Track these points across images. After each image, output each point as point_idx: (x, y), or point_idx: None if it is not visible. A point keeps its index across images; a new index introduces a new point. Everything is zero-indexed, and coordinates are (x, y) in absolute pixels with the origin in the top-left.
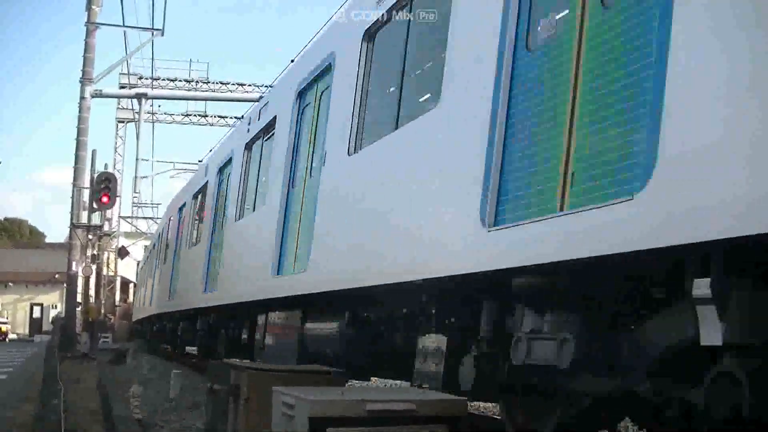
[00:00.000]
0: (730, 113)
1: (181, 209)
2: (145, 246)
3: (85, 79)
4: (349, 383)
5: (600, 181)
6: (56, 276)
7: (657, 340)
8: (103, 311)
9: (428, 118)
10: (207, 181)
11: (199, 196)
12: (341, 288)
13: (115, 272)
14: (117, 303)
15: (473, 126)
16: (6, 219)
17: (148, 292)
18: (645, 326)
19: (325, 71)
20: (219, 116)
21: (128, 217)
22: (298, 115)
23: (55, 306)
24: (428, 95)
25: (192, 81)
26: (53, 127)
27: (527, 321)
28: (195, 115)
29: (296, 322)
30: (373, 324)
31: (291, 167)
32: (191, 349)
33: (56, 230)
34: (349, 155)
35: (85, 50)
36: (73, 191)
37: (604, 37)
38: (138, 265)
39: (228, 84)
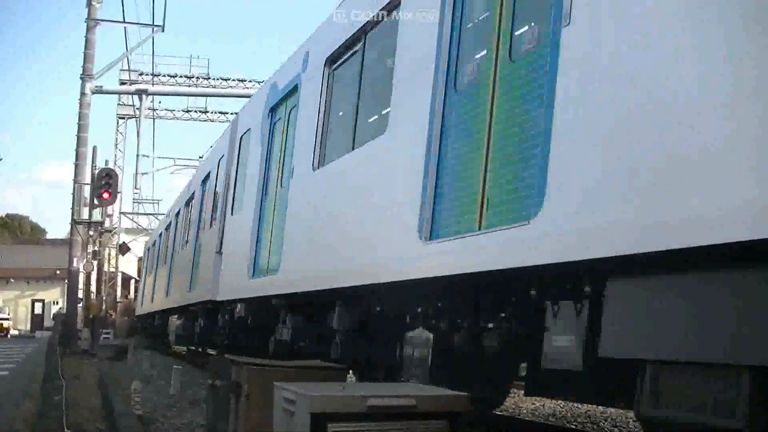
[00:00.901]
0: None
1: (204, 182)
2: (145, 241)
3: (85, 76)
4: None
5: None
6: (57, 272)
7: None
8: (104, 307)
9: None
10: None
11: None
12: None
13: (116, 268)
14: (118, 299)
15: None
16: (7, 215)
17: (161, 282)
18: None
19: None
20: (220, 112)
21: (129, 213)
22: None
23: (57, 302)
24: None
25: (193, 77)
26: (54, 123)
27: None
28: (196, 111)
29: None
30: None
31: (450, 53)
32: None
33: (57, 227)
34: None
35: (86, 46)
36: (74, 187)
37: None
38: (144, 254)
39: (229, 80)
